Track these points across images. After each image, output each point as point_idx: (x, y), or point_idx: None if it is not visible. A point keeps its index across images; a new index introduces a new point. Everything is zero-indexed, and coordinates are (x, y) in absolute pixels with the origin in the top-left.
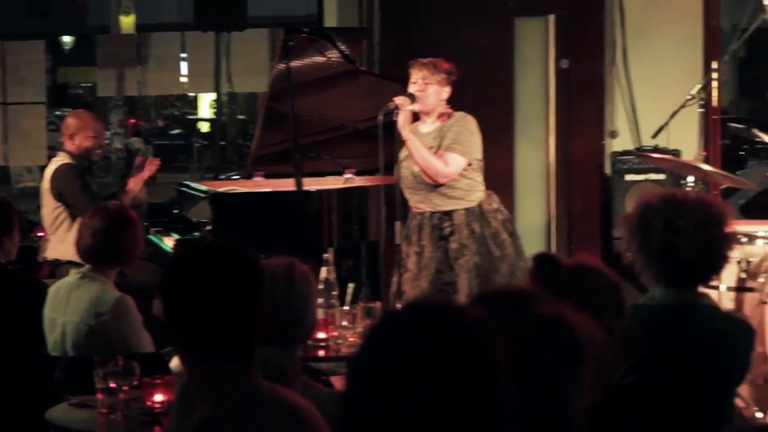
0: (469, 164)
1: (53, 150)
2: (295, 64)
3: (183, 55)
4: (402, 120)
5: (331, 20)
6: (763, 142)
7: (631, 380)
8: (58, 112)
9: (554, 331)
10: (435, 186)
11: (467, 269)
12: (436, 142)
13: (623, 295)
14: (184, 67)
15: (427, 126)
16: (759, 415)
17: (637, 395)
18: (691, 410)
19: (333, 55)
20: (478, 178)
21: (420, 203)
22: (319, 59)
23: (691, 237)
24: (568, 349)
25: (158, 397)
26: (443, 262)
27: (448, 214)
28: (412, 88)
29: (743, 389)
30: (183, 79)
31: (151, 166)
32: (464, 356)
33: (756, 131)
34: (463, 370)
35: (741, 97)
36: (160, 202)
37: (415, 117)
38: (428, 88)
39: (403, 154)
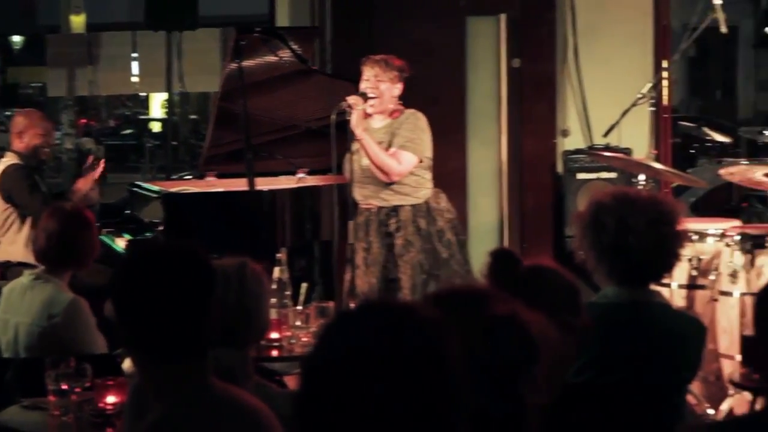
0: (420, 161)
1: (3, 151)
2: (247, 63)
3: (134, 54)
4: (355, 119)
5: (282, 20)
6: (713, 141)
7: (584, 378)
8: (8, 113)
9: (508, 330)
10: (384, 181)
11: (411, 266)
12: (386, 138)
13: (581, 298)
14: (135, 67)
15: (378, 122)
16: (710, 411)
17: (589, 393)
18: (644, 408)
19: (285, 54)
20: (426, 175)
21: (368, 198)
22: (271, 59)
23: (642, 235)
24: (522, 349)
25: (110, 399)
26: (389, 258)
27: (395, 210)
28: (364, 86)
29: (695, 386)
30: (134, 79)
31: (98, 168)
32: (417, 356)
33: (706, 130)
34: (416, 370)
35: (691, 96)
36: (111, 202)
37: (367, 113)
38: (380, 85)
39: (353, 147)
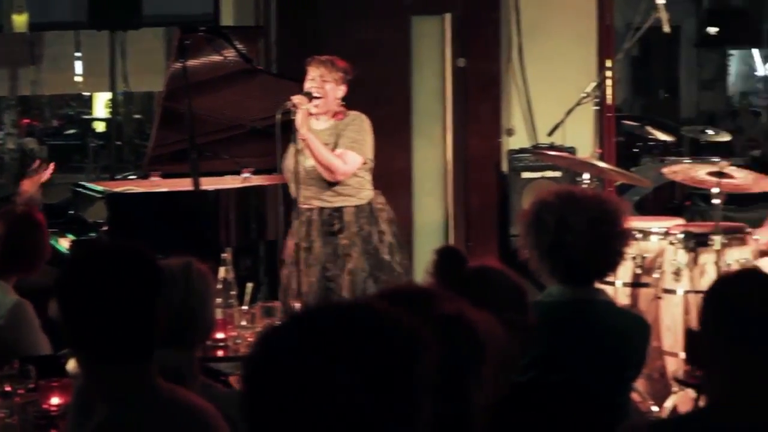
0: (364, 162)
1: None
2: (191, 63)
3: (77, 54)
4: (300, 119)
5: (227, 19)
6: (656, 140)
7: (529, 376)
8: None
9: (456, 330)
10: (327, 182)
11: (353, 266)
12: (331, 139)
13: (527, 298)
14: (78, 66)
15: (321, 123)
16: (654, 408)
17: (534, 391)
18: (588, 405)
19: (230, 53)
20: (368, 177)
21: (310, 199)
22: (216, 58)
23: (582, 234)
24: (470, 348)
25: (55, 400)
26: (331, 258)
27: (338, 210)
28: (308, 85)
29: (639, 383)
30: (78, 79)
31: (47, 171)
32: (377, 364)
33: (649, 129)
34: (375, 378)
35: (634, 95)
36: (55, 203)
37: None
38: (325, 85)
39: (298, 147)
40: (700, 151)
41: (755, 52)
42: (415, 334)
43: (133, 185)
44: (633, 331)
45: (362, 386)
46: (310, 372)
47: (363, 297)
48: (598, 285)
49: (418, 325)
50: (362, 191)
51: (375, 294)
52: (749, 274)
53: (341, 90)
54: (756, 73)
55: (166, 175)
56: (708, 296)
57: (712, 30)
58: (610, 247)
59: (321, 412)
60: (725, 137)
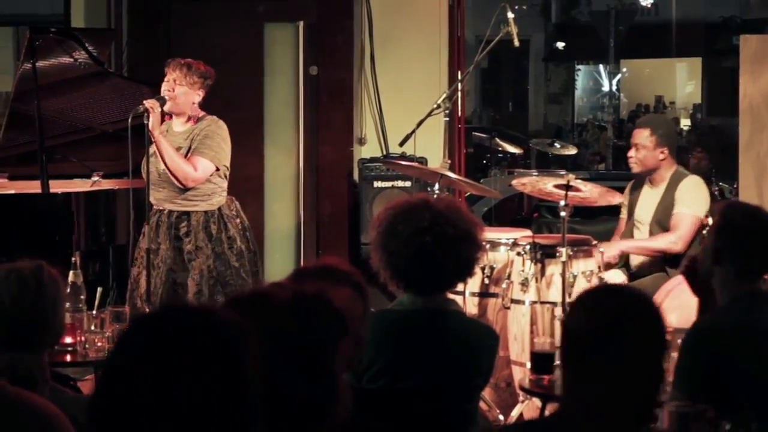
0: (217, 169)
1: None
2: (41, 64)
3: None
4: (152, 123)
5: (78, 20)
6: (504, 152)
7: (379, 384)
8: None
9: (315, 305)
10: (179, 186)
11: (199, 271)
12: (186, 143)
13: (366, 291)
14: None
15: (179, 126)
16: (501, 417)
17: (384, 398)
18: (437, 413)
19: (81, 56)
20: (222, 184)
21: (161, 202)
22: (67, 60)
23: (432, 244)
24: (331, 322)
25: None
26: (177, 261)
27: (186, 214)
28: (163, 87)
29: (486, 392)
30: None
31: None
32: (214, 361)
33: (498, 141)
34: (211, 372)
35: (483, 107)
36: None
37: (168, 115)
38: (177, 89)
39: (150, 151)
40: (547, 164)
41: (601, 68)
42: (239, 331)
43: None
44: (482, 340)
45: (193, 385)
46: (147, 375)
47: (206, 301)
48: (448, 295)
49: (242, 322)
50: (214, 197)
51: (232, 296)
52: (612, 289)
53: (198, 95)
54: (602, 88)
55: (13, 177)
56: (572, 308)
57: (560, 45)
58: (462, 258)
59: (153, 414)
60: (572, 150)
